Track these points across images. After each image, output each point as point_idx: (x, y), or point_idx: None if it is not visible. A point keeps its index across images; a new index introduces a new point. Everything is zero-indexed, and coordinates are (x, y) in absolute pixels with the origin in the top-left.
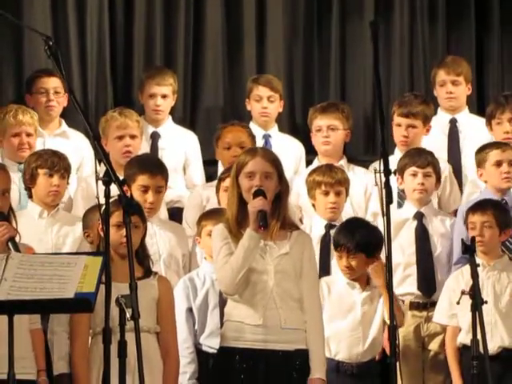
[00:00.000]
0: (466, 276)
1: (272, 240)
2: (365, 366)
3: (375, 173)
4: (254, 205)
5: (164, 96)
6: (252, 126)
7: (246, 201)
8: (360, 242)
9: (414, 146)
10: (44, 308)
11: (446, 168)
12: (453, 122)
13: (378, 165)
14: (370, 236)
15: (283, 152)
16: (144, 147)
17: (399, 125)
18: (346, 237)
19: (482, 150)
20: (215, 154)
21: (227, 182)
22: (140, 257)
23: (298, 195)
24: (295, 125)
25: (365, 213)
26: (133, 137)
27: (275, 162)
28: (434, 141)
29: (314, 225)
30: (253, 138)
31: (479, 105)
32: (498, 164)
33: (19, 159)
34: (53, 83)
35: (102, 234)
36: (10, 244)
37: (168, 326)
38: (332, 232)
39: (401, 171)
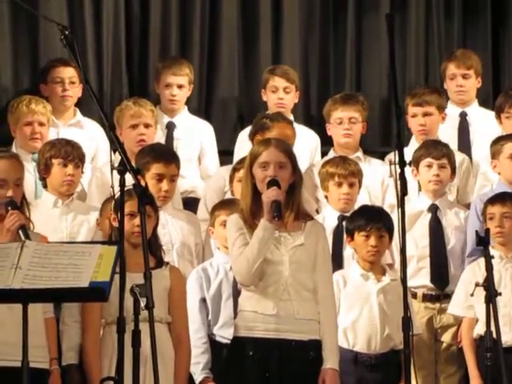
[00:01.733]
0: (483, 268)
1: (286, 231)
2: (383, 357)
3: (390, 164)
4: (268, 195)
5: (180, 86)
6: None
7: (260, 191)
8: (386, 221)
9: (431, 134)
10: (58, 297)
11: (464, 160)
12: (463, 116)
13: (392, 156)
14: (391, 219)
15: (299, 143)
16: (159, 137)
17: (415, 115)
18: (374, 216)
19: (498, 141)
20: (253, 141)
21: (241, 173)
22: (152, 247)
23: (316, 186)
24: (310, 116)
25: (382, 204)
26: (147, 126)
27: (289, 152)
28: (444, 134)
29: (327, 216)
30: (295, 135)
31: (495, 98)
32: None
33: (31, 149)
34: (68, 73)
35: (113, 223)
36: (20, 232)
37: (180, 316)
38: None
39: (416, 163)
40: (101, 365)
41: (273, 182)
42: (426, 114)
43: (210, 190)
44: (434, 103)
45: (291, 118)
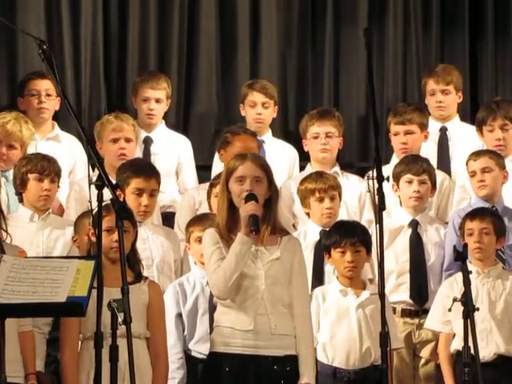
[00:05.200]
0: (460, 283)
1: (263, 245)
2: (362, 372)
3: (367, 179)
4: (246, 209)
5: (158, 100)
6: None
7: (237, 206)
8: (361, 235)
9: (413, 152)
10: (36, 312)
11: (445, 179)
12: (443, 131)
13: (371, 172)
14: (367, 232)
15: (277, 157)
16: (137, 152)
17: (397, 133)
18: (348, 232)
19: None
20: (221, 157)
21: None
22: (131, 261)
23: (293, 201)
24: (288, 131)
25: (360, 220)
26: (128, 140)
27: (265, 167)
28: (424, 149)
29: (309, 231)
30: (259, 146)
31: (473, 112)
32: (473, 175)
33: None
34: (45, 85)
35: (92, 238)
36: None
37: (158, 332)
38: None
39: (396, 178)
40: (78, 380)
41: (251, 196)
42: (407, 133)
43: (182, 212)
44: (416, 121)
45: (269, 132)
